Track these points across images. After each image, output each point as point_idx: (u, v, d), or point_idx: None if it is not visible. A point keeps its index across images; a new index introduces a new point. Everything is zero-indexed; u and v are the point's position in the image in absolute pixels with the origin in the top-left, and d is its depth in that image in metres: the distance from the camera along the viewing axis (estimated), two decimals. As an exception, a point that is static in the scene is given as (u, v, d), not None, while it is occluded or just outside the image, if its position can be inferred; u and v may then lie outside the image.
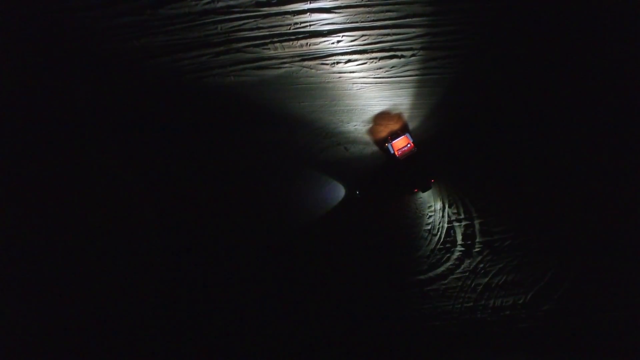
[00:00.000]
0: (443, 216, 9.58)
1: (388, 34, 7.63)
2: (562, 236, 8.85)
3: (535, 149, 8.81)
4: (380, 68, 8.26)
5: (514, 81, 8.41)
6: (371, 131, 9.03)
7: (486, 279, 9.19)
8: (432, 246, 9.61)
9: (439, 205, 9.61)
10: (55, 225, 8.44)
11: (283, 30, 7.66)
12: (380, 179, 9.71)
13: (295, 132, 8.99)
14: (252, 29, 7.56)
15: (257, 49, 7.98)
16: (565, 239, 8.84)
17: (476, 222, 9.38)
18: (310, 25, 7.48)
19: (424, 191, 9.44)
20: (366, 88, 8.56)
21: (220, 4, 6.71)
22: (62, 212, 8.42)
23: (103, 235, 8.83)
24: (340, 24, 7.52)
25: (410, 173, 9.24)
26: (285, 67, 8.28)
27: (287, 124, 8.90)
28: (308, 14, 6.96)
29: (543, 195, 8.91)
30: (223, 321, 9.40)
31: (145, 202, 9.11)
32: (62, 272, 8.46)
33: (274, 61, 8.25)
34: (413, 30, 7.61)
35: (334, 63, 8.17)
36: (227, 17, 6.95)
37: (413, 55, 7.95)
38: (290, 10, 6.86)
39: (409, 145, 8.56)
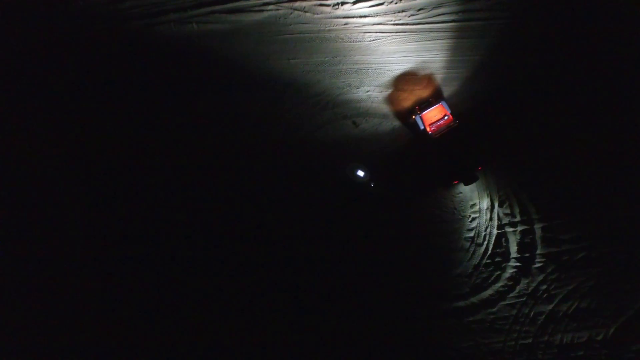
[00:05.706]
0: (491, 218, 8.57)
1: (412, -39, 7.23)
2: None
3: (625, 125, 7.74)
4: (402, 11, 7.36)
5: (595, 31, 7.36)
6: (391, 99, 8.25)
7: (550, 306, 8.26)
8: (475, 260, 8.60)
9: (485, 203, 8.62)
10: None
11: (265, -43, 7.56)
12: (405, 165, 8.76)
13: (283, 101, 8.22)
14: (221, -44, 7.34)
15: (229, -15, 7.80)
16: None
17: (537, 226, 8.42)
18: (302, -52, 7.15)
19: (466, 184, 8.50)
20: (383, 39, 7.66)
21: None
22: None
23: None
24: (345, -54, 7.18)
25: (448, 157, 8.45)
26: (269, 10, 7.46)
27: (271, 89, 8.16)
28: None
29: (633, 190, 7.87)
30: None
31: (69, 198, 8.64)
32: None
33: (253, 1, 7.44)
34: (447, -46, 7.28)
35: (337, 4, 7.34)
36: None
37: (448, -9, 7.57)
38: None
39: (446, 117, 7.66)
